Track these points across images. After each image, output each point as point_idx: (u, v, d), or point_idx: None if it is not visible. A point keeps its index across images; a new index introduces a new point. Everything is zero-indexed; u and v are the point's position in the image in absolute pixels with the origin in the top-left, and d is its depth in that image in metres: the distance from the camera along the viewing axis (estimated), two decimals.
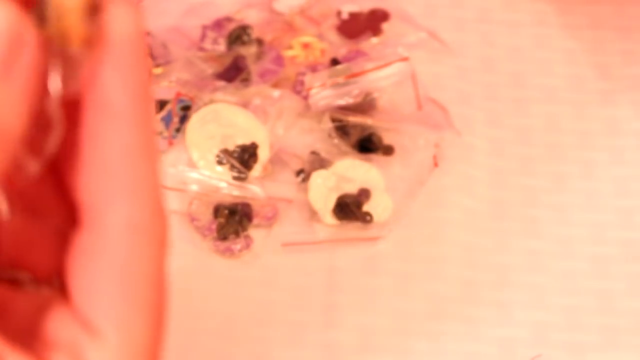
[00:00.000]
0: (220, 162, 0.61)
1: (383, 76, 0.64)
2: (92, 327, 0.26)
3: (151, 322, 0.26)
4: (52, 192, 0.29)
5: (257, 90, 0.65)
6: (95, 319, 0.26)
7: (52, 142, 0.26)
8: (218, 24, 0.69)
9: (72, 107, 0.27)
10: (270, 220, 0.61)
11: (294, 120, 0.65)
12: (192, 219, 0.60)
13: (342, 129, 0.63)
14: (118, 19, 0.27)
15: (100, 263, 0.26)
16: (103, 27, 0.26)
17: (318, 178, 0.61)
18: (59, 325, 0.26)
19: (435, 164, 0.63)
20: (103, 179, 0.26)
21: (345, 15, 0.70)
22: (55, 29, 0.26)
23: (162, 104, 0.64)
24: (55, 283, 0.28)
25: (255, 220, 0.60)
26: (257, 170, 0.61)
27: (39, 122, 0.26)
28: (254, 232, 0.60)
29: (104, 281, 0.26)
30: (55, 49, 0.26)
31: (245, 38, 0.67)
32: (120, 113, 0.26)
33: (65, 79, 0.26)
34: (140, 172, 0.27)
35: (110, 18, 0.26)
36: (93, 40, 0.26)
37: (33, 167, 0.26)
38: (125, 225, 0.26)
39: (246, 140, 0.62)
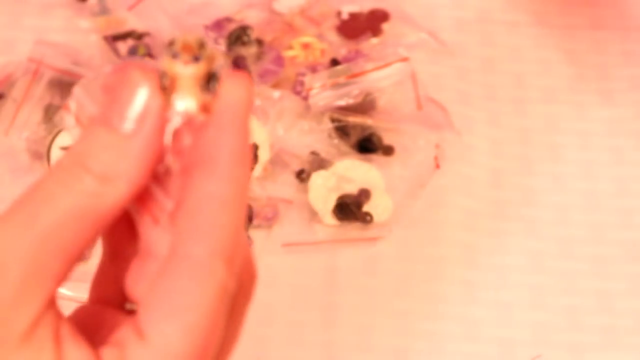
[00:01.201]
0: None
1: (383, 76, 0.64)
2: (143, 333, 0.31)
3: (191, 342, 0.31)
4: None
5: (258, 91, 0.65)
6: (147, 329, 0.31)
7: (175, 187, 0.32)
8: (218, 25, 0.69)
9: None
10: (271, 220, 0.61)
11: (294, 120, 0.65)
12: None
13: (342, 130, 0.63)
14: (229, 89, 0.32)
15: (166, 288, 0.31)
16: (216, 95, 0.32)
17: (318, 178, 0.61)
18: (120, 330, 0.32)
19: (437, 166, 0.63)
20: (189, 222, 0.31)
21: (345, 16, 0.71)
22: (171, 95, 0.32)
23: None
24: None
25: (256, 221, 0.60)
26: (257, 170, 0.61)
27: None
28: (254, 233, 0.60)
29: (164, 302, 0.31)
30: (177, 113, 0.32)
31: (245, 38, 0.67)
32: (220, 168, 0.31)
33: (183, 135, 0.32)
34: (221, 221, 0.31)
35: (223, 88, 0.32)
36: (207, 106, 0.32)
37: (169, 205, 0.32)
38: (196, 262, 0.31)
39: None
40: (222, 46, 0.67)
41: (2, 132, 0.62)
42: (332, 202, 0.61)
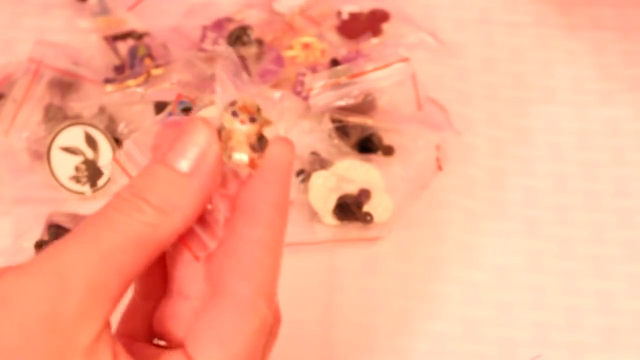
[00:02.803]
0: None
1: (383, 76, 0.64)
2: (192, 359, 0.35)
3: None
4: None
5: (258, 91, 0.65)
6: (196, 355, 0.35)
7: (219, 229, 0.36)
8: (218, 25, 0.69)
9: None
10: None
11: (294, 121, 0.65)
12: None
13: (342, 130, 0.63)
14: (275, 150, 0.36)
15: (213, 319, 0.35)
16: (264, 154, 0.36)
17: (318, 179, 0.61)
18: (171, 356, 0.36)
19: (439, 167, 0.63)
20: (236, 262, 0.35)
21: (345, 16, 0.71)
22: (226, 149, 0.36)
23: (162, 106, 0.64)
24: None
25: None
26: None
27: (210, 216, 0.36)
28: None
29: (212, 332, 0.35)
30: (227, 162, 0.36)
31: (245, 38, 0.67)
32: (264, 217, 0.36)
33: (229, 183, 0.37)
34: (264, 263, 0.35)
35: (270, 149, 0.36)
36: (254, 162, 0.36)
37: (212, 245, 0.36)
38: (241, 299, 0.35)
39: None
40: (222, 46, 0.67)
41: (2, 132, 0.62)
42: (332, 202, 0.61)
